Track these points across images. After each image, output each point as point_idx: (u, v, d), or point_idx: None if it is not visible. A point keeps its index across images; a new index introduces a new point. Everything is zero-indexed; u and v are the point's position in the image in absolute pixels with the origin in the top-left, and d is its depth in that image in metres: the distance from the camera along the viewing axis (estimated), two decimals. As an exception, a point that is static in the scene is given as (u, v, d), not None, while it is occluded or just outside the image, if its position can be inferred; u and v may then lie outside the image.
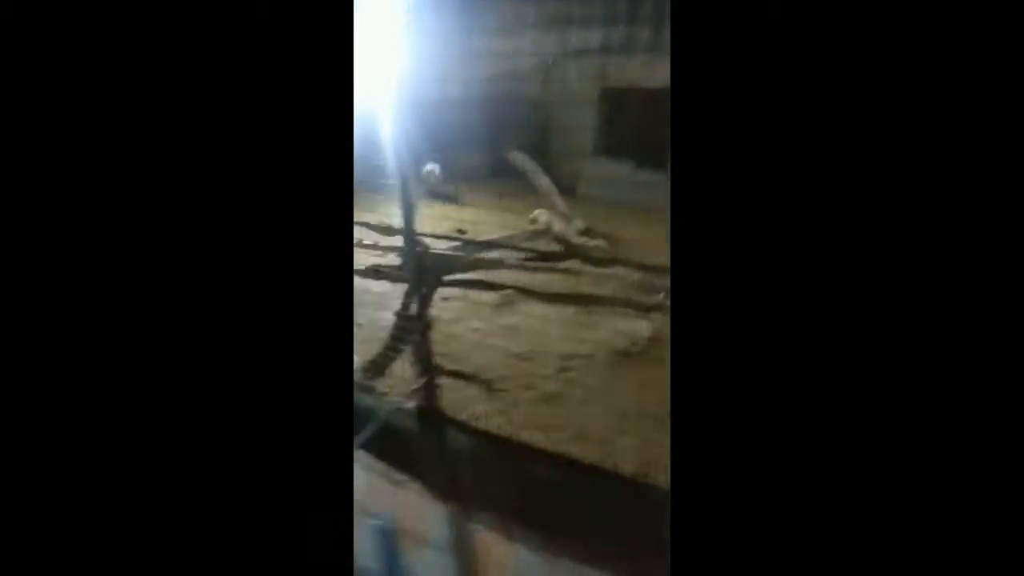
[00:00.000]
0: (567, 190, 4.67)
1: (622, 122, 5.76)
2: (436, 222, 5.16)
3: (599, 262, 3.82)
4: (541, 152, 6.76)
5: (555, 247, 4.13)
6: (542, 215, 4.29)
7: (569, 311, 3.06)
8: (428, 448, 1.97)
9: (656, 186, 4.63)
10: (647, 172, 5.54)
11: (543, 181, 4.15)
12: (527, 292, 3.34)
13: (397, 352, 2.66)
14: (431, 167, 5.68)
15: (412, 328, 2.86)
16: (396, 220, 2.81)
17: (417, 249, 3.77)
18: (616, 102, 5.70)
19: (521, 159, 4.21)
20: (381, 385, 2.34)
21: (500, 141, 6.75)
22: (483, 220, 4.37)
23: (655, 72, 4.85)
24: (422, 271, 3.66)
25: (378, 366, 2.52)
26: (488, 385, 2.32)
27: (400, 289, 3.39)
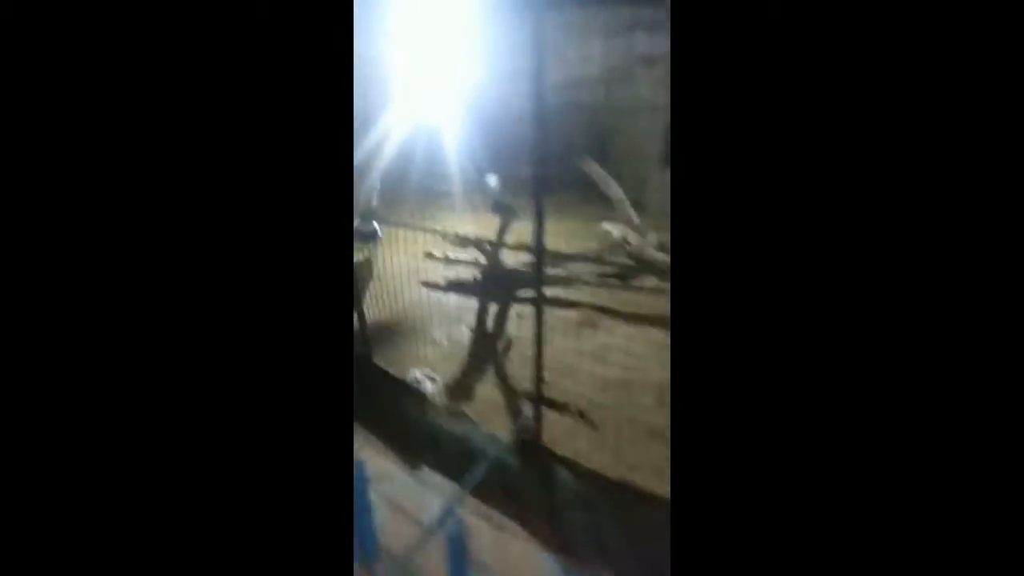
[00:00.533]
0: (634, 202, 4.44)
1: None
2: (502, 234, 5.05)
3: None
4: (604, 161, 6.58)
5: (629, 262, 3.90)
6: (615, 228, 4.08)
7: (658, 333, 2.82)
8: (532, 489, 1.79)
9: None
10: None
11: (615, 191, 3.94)
12: (608, 311, 3.13)
13: (480, 372, 2.51)
14: (492, 178, 5.58)
15: (492, 346, 2.74)
16: (464, 230, 2.66)
17: (489, 262, 3.66)
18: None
19: (594, 168, 4.02)
20: (471, 411, 2.18)
21: (565, 151, 6.61)
22: (551, 232, 4.18)
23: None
24: (496, 286, 3.54)
25: (463, 387, 2.37)
26: (584, 416, 2.12)
27: (473, 303, 3.27)
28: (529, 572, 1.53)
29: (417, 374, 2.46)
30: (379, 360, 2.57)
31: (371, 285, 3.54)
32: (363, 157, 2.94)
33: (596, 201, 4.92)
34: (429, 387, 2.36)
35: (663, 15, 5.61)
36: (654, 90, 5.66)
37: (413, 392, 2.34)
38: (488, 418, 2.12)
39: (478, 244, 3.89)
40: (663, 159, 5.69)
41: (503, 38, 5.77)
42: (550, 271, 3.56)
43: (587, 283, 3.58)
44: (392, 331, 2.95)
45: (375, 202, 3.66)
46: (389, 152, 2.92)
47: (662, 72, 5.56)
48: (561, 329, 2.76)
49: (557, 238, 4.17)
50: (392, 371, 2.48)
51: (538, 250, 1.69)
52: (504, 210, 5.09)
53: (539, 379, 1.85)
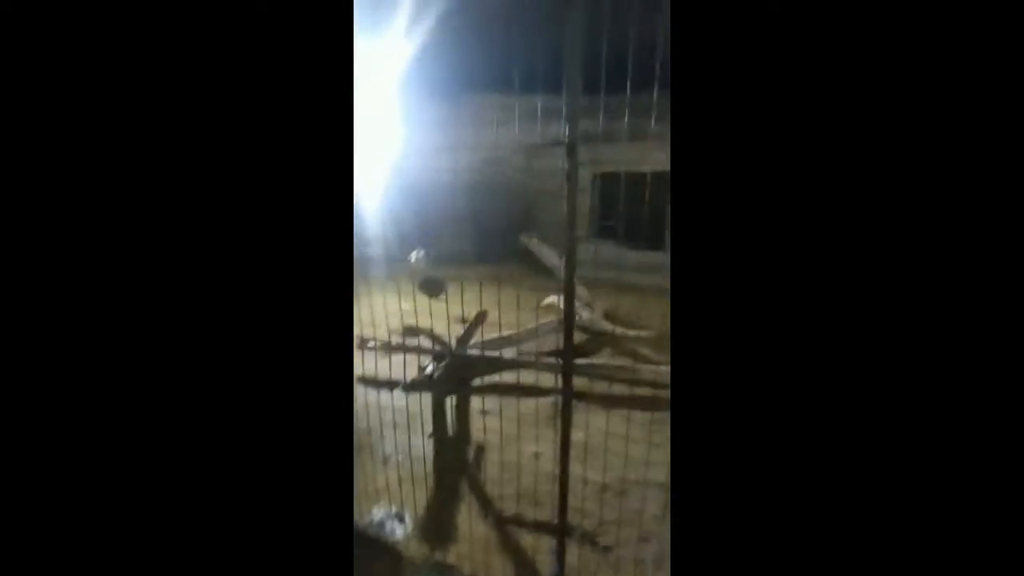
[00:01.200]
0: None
1: (613, 206, 5.78)
2: (433, 315, 4.64)
3: (640, 355, 3.46)
4: (532, 234, 6.65)
5: (581, 337, 3.75)
6: (557, 301, 3.95)
7: (641, 418, 2.61)
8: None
9: (656, 267, 4.50)
10: (644, 253, 5.47)
11: (557, 265, 3.84)
12: (577, 396, 2.87)
13: (454, 495, 2.04)
14: (419, 253, 5.27)
15: (461, 457, 2.27)
16: (392, 309, 2.29)
17: (435, 346, 3.23)
18: (608, 187, 5.74)
19: (534, 243, 3.93)
20: (459, 559, 1.69)
21: (486, 227, 6.58)
22: (487, 309, 3.91)
23: (645, 156, 4.95)
24: (447, 375, 3.10)
25: (441, 524, 1.87)
26: (589, 538, 1.76)
27: (423, 400, 2.79)
28: None
29: (378, 516, 1.92)
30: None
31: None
32: None
33: (534, 273, 4.83)
34: (398, 532, 1.83)
35: (579, 102, 6.04)
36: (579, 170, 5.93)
37: (377, 545, 1.78)
38: (486, 566, 1.65)
39: (413, 328, 3.47)
40: (592, 230, 5.88)
41: (424, 116, 5.75)
42: (506, 353, 3.24)
43: (544, 366, 3.31)
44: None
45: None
46: None
47: (586, 152, 5.87)
48: (530, 424, 2.42)
49: (504, 313, 3.91)
50: (342, 513, 1.91)
51: (567, 328, 1.37)
52: (432, 286, 4.75)
53: (563, 499, 1.46)
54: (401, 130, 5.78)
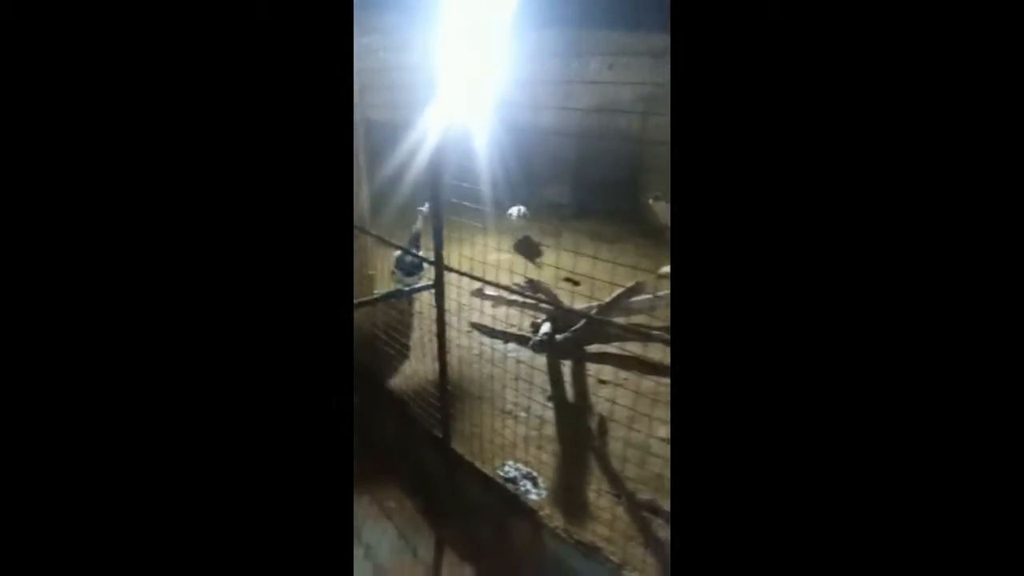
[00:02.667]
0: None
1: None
2: (534, 270, 4.51)
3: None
4: (637, 194, 6.24)
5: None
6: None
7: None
8: None
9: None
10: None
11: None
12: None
13: (583, 468, 1.98)
14: (519, 210, 5.07)
15: (584, 427, 2.20)
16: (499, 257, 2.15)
17: (551, 303, 3.14)
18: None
19: (660, 206, 3.60)
20: (588, 533, 1.63)
21: (593, 177, 6.22)
22: (592, 270, 3.71)
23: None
24: (561, 337, 3.03)
25: (575, 497, 1.82)
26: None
27: (539, 360, 2.74)
28: None
29: (511, 470, 1.90)
30: (457, 445, 2.00)
31: (415, 324, 2.97)
32: (400, 162, 2.53)
33: (640, 235, 4.52)
34: (532, 494, 1.81)
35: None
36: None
37: (512, 501, 1.77)
38: (624, 552, 1.58)
39: (530, 282, 3.37)
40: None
41: (536, 48, 5.36)
42: (610, 320, 3.06)
43: (659, 337, 3.10)
44: (450, 395, 2.40)
45: (419, 225, 3.10)
46: (422, 159, 2.48)
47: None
48: (656, 400, 2.28)
49: (611, 272, 3.69)
50: (476, 463, 1.91)
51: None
52: (528, 248, 4.58)
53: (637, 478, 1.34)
54: (509, 62, 5.42)
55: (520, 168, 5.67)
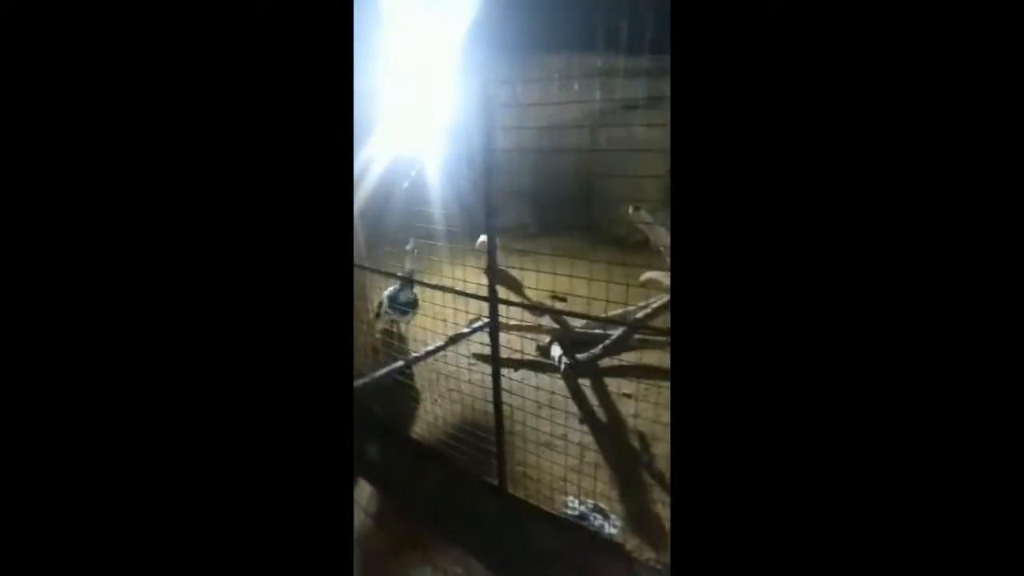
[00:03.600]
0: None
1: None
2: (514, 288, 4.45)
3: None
4: (590, 205, 6.40)
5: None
6: (661, 277, 3.76)
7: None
8: None
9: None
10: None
11: (662, 239, 3.63)
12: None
13: (637, 488, 1.92)
14: (484, 238, 5.01)
15: (625, 446, 2.13)
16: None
17: (557, 323, 3.08)
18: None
19: (641, 215, 3.69)
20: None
21: (550, 195, 6.32)
22: (571, 286, 3.74)
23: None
24: (568, 355, 2.97)
25: (647, 521, 1.75)
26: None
27: (556, 383, 2.65)
28: None
29: (577, 506, 1.80)
30: (515, 488, 1.86)
31: (414, 366, 2.79)
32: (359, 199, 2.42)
33: (602, 245, 4.61)
34: (608, 527, 1.72)
35: (642, 64, 5.67)
36: (646, 132, 5.63)
37: (591, 539, 1.67)
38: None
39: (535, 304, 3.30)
40: (663, 202, 5.61)
41: (485, 74, 5.42)
42: (609, 332, 3.08)
43: (658, 346, 3.16)
44: (479, 437, 2.25)
45: (410, 264, 2.93)
46: (367, 188, 2.40)
47: (649, 115, 5.55)
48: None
49: (587, 287, 3.71)
50: (538, 505, 1.79)
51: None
52: (507, 280, 4.52)
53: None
54: (460, 90, 5.44)
55: (479, 192, 5.64)
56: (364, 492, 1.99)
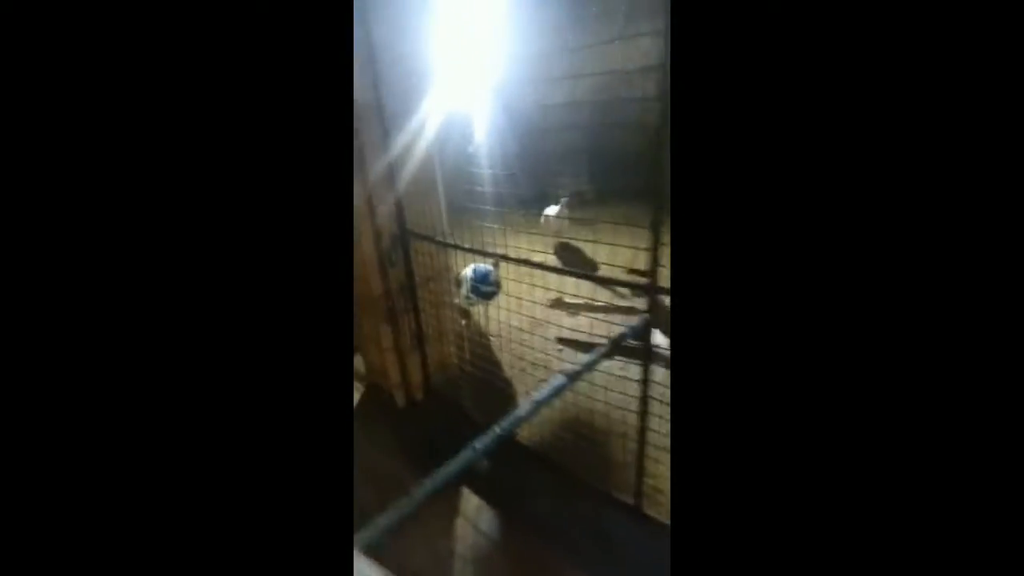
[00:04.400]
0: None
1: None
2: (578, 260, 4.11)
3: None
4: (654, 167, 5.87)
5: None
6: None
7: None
8: None
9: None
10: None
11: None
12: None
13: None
14: (554, 209, 4.60)
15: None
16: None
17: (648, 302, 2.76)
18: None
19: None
20: None
21: (608, 157, 5.84)
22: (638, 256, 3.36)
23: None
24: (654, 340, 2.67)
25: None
26: None
27: (659, 371, 2.36)
28: None
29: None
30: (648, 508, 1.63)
31: (498, 350, 2.56)
32: (400, 151, 2.11)
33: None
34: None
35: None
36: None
37: None
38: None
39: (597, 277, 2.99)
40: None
41: (531, 20, 4.88)
42: None
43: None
44: (589, 439, 2.01)
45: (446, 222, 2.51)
46: (420, 149, 2.09)
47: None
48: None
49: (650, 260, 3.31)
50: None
51: None
52: (568, 253, 4.15)
53: None
54: (503, 39, 4.93)
55: (531, 157, 5.23)
56: (470, 504, 1.81)
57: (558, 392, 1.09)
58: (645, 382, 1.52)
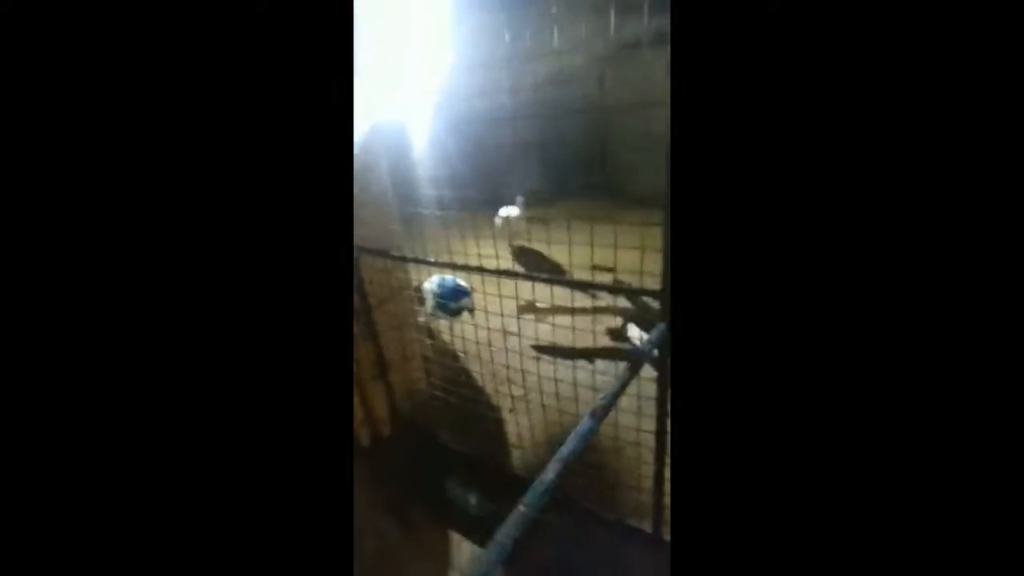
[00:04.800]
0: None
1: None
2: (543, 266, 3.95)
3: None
4: (603, 166, 5.85)
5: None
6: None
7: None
8: None
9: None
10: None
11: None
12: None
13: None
14: (510, 210, 4.44)
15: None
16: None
17: (632, 303, 2.62)
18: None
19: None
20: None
21: (561, 156, 5.76)
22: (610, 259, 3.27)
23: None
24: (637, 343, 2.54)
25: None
26: None
27: (649, 376, 2.22)
28: None
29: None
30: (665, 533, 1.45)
31: (480, 373, 2.33)
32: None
33: (619, 208, 4.10)
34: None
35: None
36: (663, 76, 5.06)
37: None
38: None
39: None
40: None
41: (478, 28, 4.75)
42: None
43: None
44: (584, 461, 1.83)
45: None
46: (362, 158, 1.93)
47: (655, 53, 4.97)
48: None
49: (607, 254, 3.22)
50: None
51: None
52: (529, 258, 3.99)
53: None
54: (446, 45, 4.76)
55: (482, 159, 5.05)
56: (464, 553, 1.58)
57: (588, 438, 0.90)
58: (662, 400, 1.35)
